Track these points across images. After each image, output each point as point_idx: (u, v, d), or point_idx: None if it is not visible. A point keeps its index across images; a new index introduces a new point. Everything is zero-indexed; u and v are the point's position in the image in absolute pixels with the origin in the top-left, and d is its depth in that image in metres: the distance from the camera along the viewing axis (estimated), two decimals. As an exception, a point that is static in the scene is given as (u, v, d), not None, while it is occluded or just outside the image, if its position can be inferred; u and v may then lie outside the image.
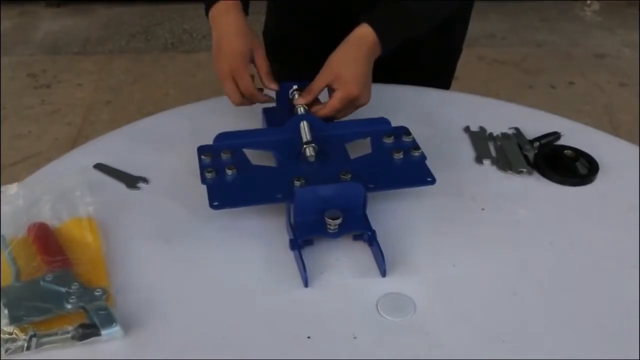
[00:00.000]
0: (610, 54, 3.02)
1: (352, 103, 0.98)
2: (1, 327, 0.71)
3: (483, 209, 0.93)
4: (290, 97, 1.01)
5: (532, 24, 3.24)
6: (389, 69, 1.06)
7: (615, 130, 2.41)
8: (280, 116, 1.01)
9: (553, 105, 2.48)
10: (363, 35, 0.96)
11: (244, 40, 0.97)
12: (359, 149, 0.98)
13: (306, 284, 0.80)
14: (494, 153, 1.03)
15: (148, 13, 3.36)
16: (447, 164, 0.98)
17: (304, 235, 0.84)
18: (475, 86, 1.35)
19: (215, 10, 0.99)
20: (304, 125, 0.96)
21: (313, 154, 0.93)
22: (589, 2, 3.44)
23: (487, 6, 3.12)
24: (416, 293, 0.79)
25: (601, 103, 2.65)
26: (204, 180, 0.90)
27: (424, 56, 1.21)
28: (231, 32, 0.98)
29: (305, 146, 0.94)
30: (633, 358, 0.72)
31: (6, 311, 0.72)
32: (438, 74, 1.28)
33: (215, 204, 0.86)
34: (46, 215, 0.87)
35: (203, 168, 0.91)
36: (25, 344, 0.70)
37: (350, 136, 0.99)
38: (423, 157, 0.94)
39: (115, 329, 0.71)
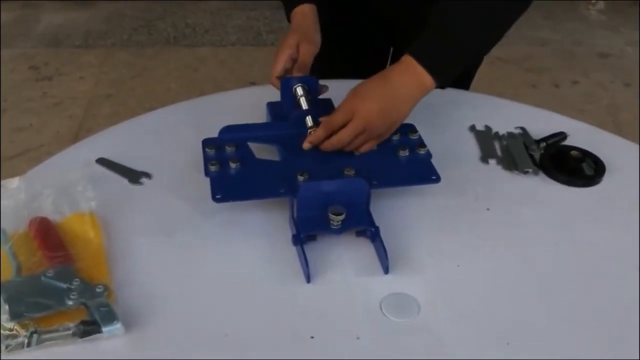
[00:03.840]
0: (614, 54, 3.01)
1: (368, 134, 0.91)
2: (1, 323, 0.70)
3: (488, 209, 0.92)
4: (293, 92, 1.00)
5: (536, 23, 3.23)
6: None
7: (618, 130, 2.40)
8: (285, 111, 1.01)
9: (556, 104, 2.48)
10: (401, 69, 0.91)
11: (294, 36, 1.03)
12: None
13: (308, 280, 0.79)
14: (499, 152, 1.03)
15: (150, 7, 3.35)
16: (452, 162, 0.98)
17: (307, 231, 0.84)
18: (478, 84, 1.34)
19: (292, 15, 1.08)
20: (309, 120, 0.96)
21: None
22: (593, 1, 3.43)
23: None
24: (420, 293, 0.78)
25: (604, 103, 2.65)
26: (207, 172, 0.89)
27: None
28: (291, 29, 1.05)
29: (309, 130, 0.94)
30: (633, 358, 0.71)
31: (7, 307, 0.71)
32: (457, 85, 1.26)
33: (218, 197, 0.85)
34: (47, 209, 0.87)
35: (207, 161, 0.90)
36: (26, 341, 0.69)
37: (355, 133, 0.98)
38: (429, 155, 0.93)
39: (117, 327, 0.71)
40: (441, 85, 0.92)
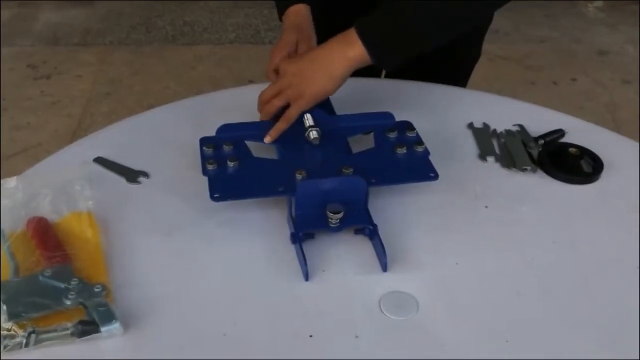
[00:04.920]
0: (613, 51, 3.01)
1: (285, 92, 0.95)
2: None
3: (486, 207, 0.92)
4: None
5: (535, 20, 3.22)
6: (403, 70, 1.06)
7: (617, 127, 2.39)
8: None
9: (555, 101, 2.47)
10: (339, 38, 0.93)
11: (292, 34, 1.04)
12: (362, 143, 0.97)
13: (307, 278, 0.79)
14: (497, 150, 1.03)
15: (149, 5, 3.34)
16: (450, 160, 0.97)
17: (305, 229, 0.84)
18: (477, 82, 1.34)
19: (285, 14, 1.08)
20: (307, 118, 0.96)
21: (317, 136, 0.93)
22: (592, -2, 3.43)
23: (489, 1, 3.10)
24: (419, 291, 0.78)
25: (603, 100, 2.64)
26: (205, 171, 0.89)
27: (439, 59, 1.17)
28: (286, 28, 1.06)
29: (309, 129, 0.93)
30: (633, 358, 0.71)
31: (5, 307, 0.71)
32: (456, 80, 1.26)
33: (216, 195, 0.85)
34: (45, 209, 0.86)
35: (205, 159, 0.90)
36: (24, 341, 0.69)
37: (353, 130, 0.98)
38: (426, 152, 0.93)
39: (115, 326, 0.71)
40: (380, 63, 0.92)
